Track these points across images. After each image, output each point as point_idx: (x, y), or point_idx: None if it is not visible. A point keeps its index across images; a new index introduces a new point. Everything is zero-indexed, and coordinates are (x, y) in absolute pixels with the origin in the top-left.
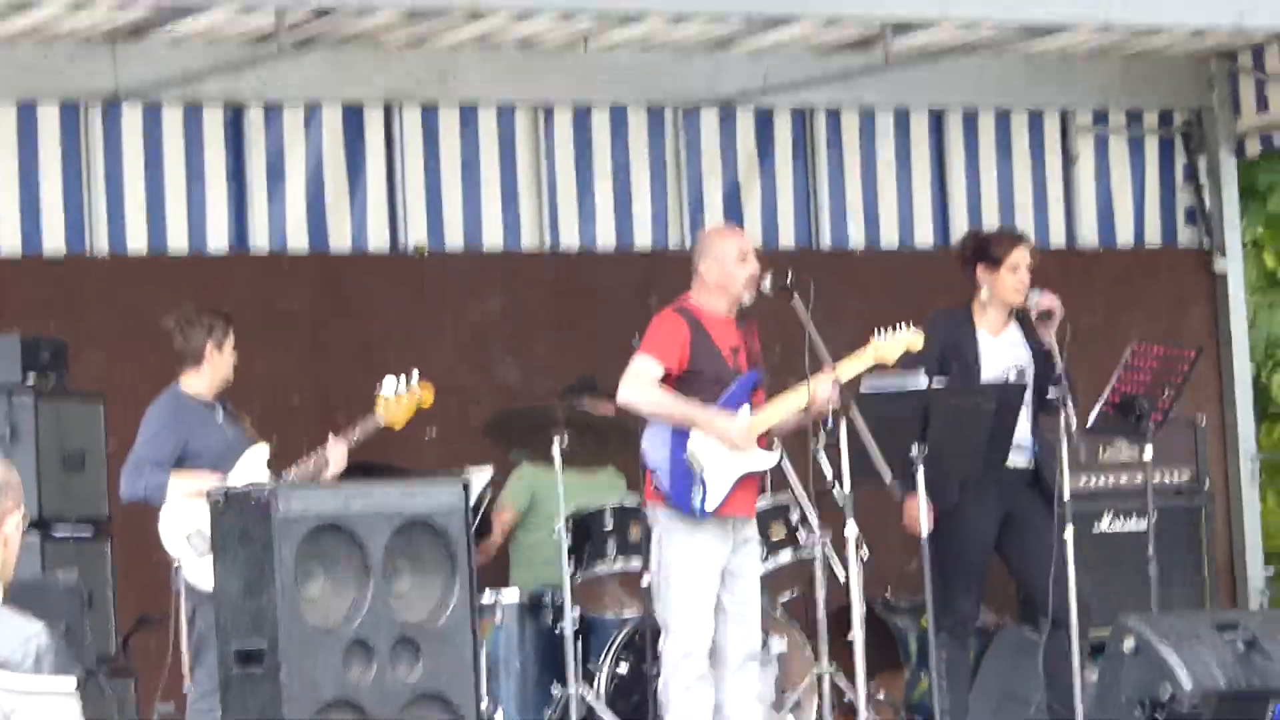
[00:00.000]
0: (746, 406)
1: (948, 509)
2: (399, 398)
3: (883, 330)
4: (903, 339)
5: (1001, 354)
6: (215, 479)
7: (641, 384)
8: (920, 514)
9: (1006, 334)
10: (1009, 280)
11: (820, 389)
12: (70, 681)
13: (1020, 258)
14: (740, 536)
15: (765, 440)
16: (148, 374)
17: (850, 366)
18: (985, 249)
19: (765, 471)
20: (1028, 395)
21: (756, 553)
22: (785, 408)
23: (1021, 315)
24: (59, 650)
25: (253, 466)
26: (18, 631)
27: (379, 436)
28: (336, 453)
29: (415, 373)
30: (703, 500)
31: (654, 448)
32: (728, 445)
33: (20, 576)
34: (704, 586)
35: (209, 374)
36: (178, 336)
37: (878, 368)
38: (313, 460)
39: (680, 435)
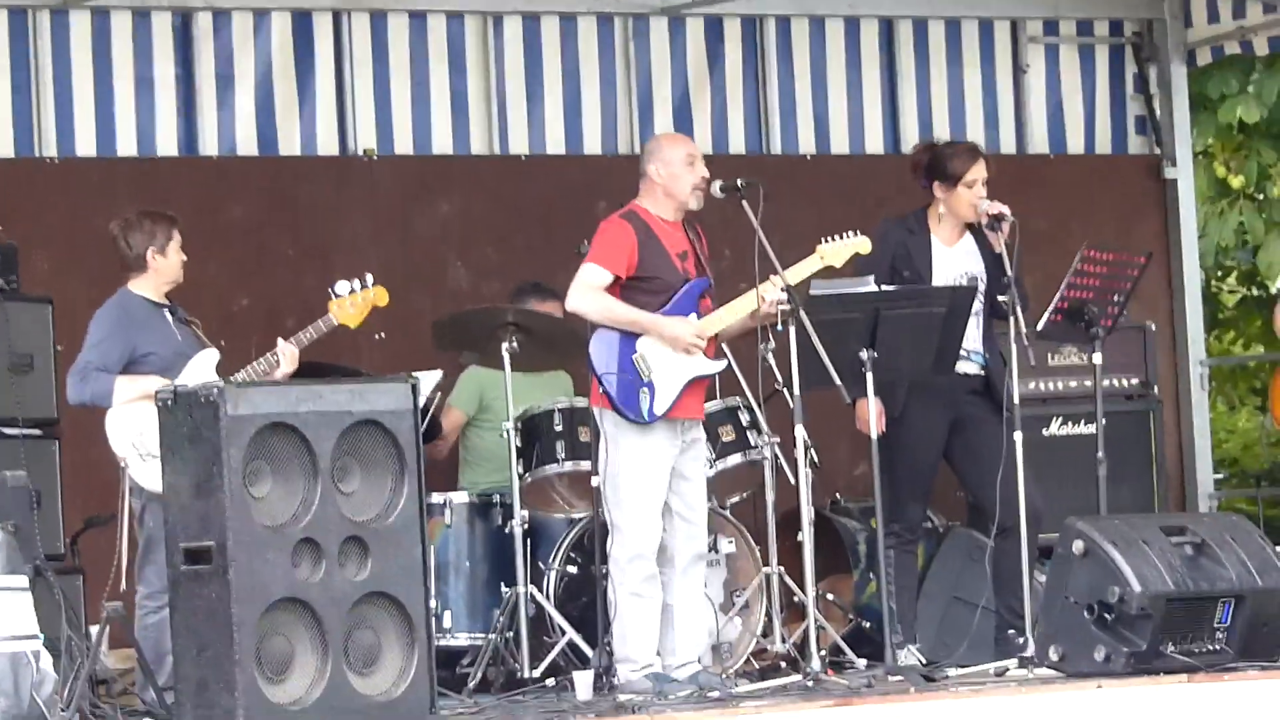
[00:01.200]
0: (694, 314)
1: (894, 415)
2: (353, 296)
3: (830, 236)
4: (850, 244)
5: (954, 263)
6: (162, 382)
7: (590, 291)
8: (870, 416)
9: (961, 243)
10: (965, 196)
11: (768, 293)
12: (23, 579)
13: (978, 173)
14: (688, 438)
15: (713, 346)
16: (96, 277)
17: (798, 271)
18: (942, 166)
19: (713, 376)
20: (979, 303)
21: (704, 454)
22: (733, 312)
23: (975, 225)
24: (11, 548)
25: (202, 370)
26: None
27: (328, 339)
28: (287, 354)
29: (369, 275)
30: (651, 404)
31: (601, 353)
32: (678, 349)
33: None
34: (652, 489)
35: (154, 278)
36: (121, 242)
37: (827, 272)
38: (263, 362)
39: (628, 340)
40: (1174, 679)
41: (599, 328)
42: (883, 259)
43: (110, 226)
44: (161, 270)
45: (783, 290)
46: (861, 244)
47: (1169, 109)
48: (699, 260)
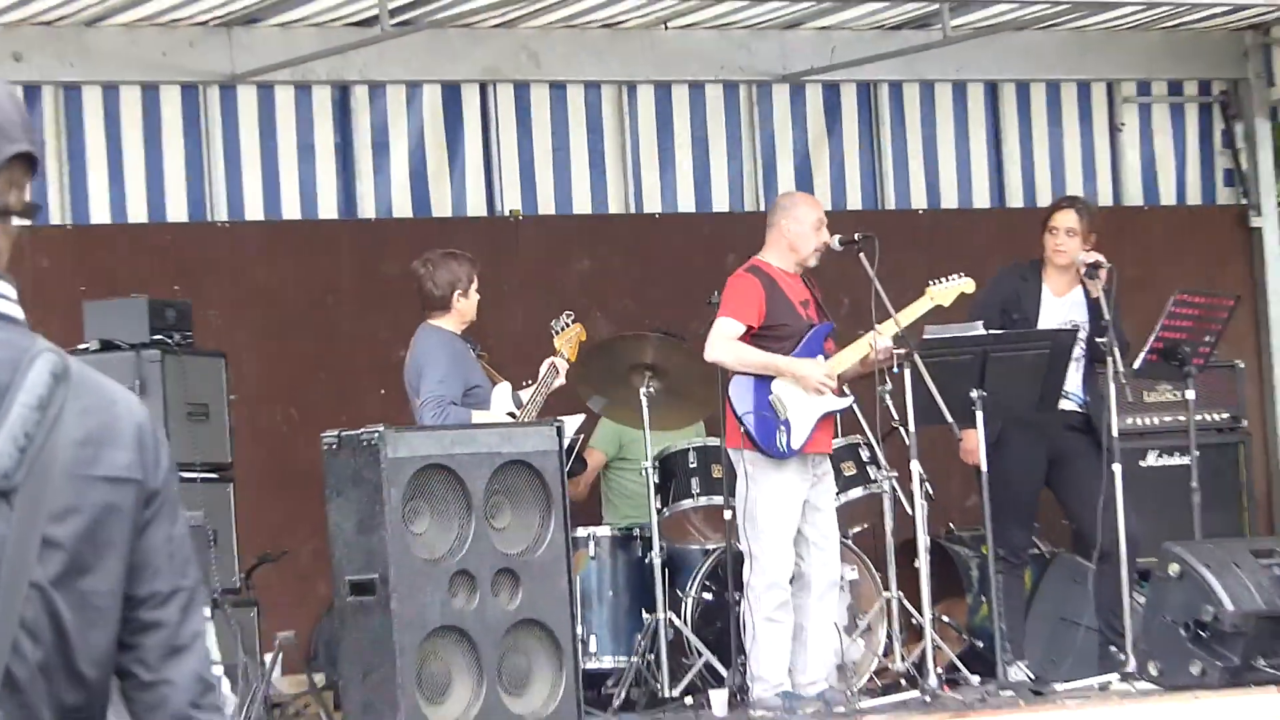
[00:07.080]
0: (821, 355)
1: (991, 441)
2: (565, 332)
3: (937, 279)
4: (957, 285)
5: (1060, 311)
6: (496, 418)
7: (725, 341)
8: (979, 448)
9: (1070, 295)
10: (1047, 241)
11: (884, 337)
12: (207, 610)
13: (1060, 220)
14: (819, 471)
15: (838, 385)
16: (261, 332)
17: (910, 313)
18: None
19: (840, 412)
20: (1079, 349)
21: (833, 487)
22: (855, 353)
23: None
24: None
25: (504, 403)
26: None
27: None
28: (561, 368)
29: (570, 313)
30: (788, 440)
31: (741, 395)
32: (809, 389)
33: None
34: (788, 521)
35: (455, 317)
36: (427, 282)
37: (938, 315)
38: (544, 381)
39: (763, 383)
40: (1265, 690)
41: (736, 374)
42: (993, 302)
43: (414, 265)
44: (463, 310)
45: (898, 335)
46: (967, 284)
47: (1254, 162)
48: (819, 307)
